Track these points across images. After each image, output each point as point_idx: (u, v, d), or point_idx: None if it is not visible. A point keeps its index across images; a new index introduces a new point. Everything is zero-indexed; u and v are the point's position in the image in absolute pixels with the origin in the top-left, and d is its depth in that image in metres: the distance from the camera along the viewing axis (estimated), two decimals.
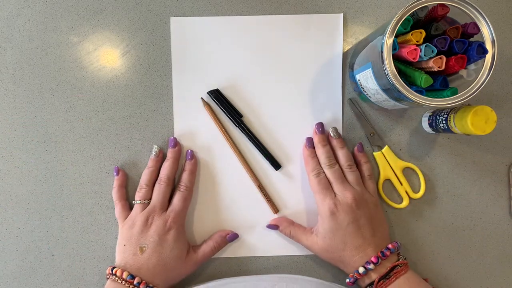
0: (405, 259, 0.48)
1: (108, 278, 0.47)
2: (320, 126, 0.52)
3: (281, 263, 0.53)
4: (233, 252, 0.53)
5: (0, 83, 0.53)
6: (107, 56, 0.53)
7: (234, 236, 0.52)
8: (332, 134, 0.52)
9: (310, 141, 0.52)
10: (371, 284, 0.46)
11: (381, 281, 0.46)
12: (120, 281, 0.46)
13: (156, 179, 0.51)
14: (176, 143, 0.52)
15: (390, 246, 0.47)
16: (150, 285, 0.46)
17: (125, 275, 0.46)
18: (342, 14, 0.53)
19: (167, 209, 0.49)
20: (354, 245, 0.47)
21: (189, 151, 0.52)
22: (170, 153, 0.51)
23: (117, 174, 0.52)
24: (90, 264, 0.53)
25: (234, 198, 0.53)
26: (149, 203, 0.50)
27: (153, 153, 0.51)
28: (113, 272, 0.46)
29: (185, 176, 0.51)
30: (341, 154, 0.51)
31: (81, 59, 0.53)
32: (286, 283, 0.46)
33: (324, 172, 0.50)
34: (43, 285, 0.52)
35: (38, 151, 0.53)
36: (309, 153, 0.52)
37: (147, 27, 0.53)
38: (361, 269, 0.46)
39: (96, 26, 0.53)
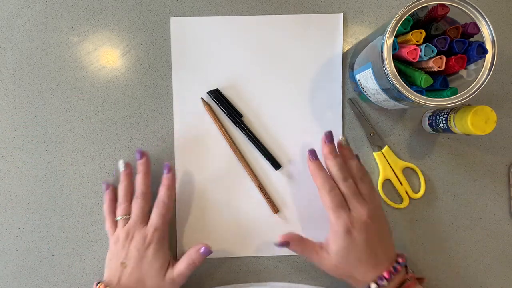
0: (413, 272, 0.47)
1: None
2: (330, 136, 0.48)
3: (281, 262, 0.53)
4: (233, 252, 0.53)
5: (0, 83, 0.53)
6: (107, 56, 0.53)
7: (207, 250, 0.48)
8: (343, 143, 0.49)
9: (313, 153, 0.48)
10: None
11: None
12: None
13: (132, 192, 0.50)
14: (143, 154, 0.50)
15: (400, 260, 0.46)
16: None
17: None
18: (342, 14, 0.53)
19: (147, 223, 0.49)
20: (367, 262, 0.45)
21: (166, 164, 0.50)
22: (139, 166, 0.50)
23: (107, 189, 0.51)
24: (90, 264, 0.53)
25: (233, 198, 0.53)
26: (129, 217, 0.49)
27: (121, 168, 0.51)
28: (97, 287, 0.46)
29: (162, 192, 0.49)
30: (353, 165, 0.48)
31: (81, 59, 0.53)
32: None
33: (337, 187, 0.47)
34: (43, 285, 0.52)
35: (38, 151, 0.53)
36: (315, 166, 0.48)
37: (147, 27, 0.53)
38: (373, 286, 0.44)
39: (96, 26, 0.53)
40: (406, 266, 0.47)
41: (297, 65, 0.53)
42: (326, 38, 0.53)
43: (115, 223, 0.50)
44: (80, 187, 0.53)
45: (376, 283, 0.44)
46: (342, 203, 0.46)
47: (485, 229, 0.53)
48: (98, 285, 0.47)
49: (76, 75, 0.53)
